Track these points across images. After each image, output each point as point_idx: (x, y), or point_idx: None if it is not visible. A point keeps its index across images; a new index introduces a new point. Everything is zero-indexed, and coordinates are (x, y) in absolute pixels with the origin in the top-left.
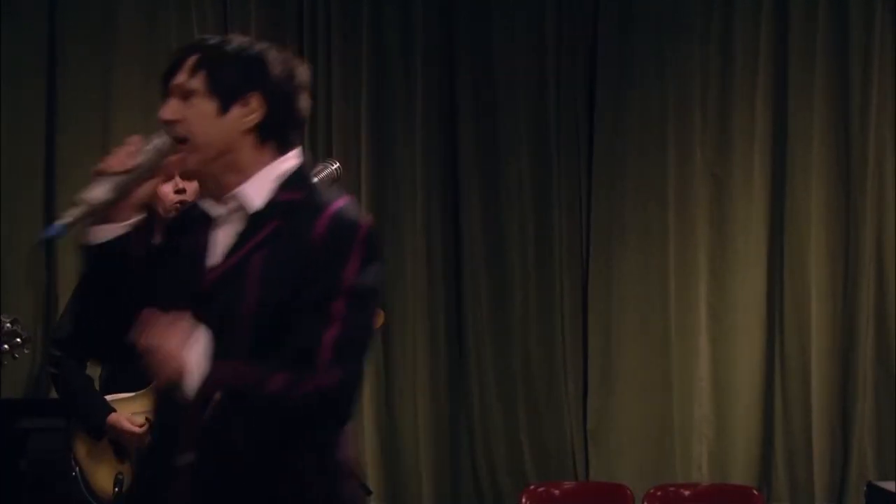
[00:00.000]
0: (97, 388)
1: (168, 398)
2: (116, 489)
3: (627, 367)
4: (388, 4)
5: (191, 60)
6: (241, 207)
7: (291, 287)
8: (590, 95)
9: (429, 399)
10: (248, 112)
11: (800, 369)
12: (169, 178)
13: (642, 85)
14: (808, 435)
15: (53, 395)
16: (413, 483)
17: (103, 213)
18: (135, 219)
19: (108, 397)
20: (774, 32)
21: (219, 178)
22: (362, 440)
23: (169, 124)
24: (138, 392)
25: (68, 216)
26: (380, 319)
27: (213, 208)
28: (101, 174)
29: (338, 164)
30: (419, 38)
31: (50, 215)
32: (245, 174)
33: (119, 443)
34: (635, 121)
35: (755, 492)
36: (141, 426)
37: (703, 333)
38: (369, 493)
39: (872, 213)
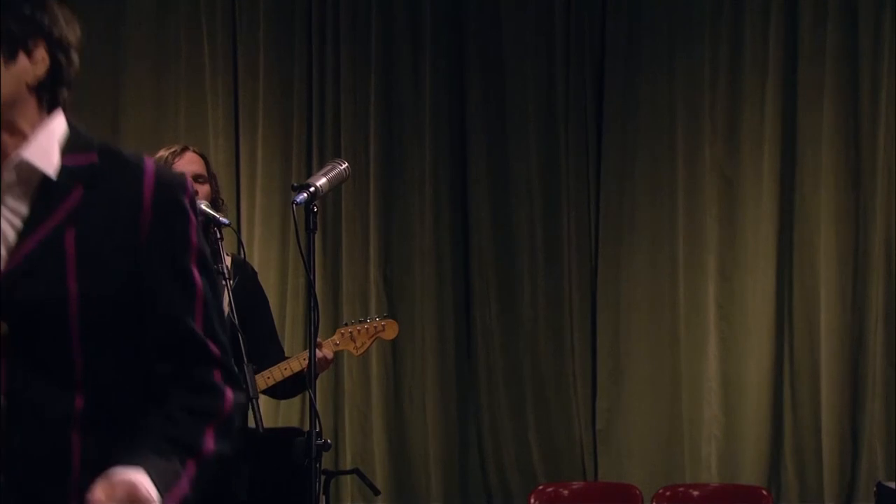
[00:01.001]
0: None
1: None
2: None
3: (636, 366)
4: (397, 3)
5: None
6: (25, 177)
7: (123, 265)
8: (599, 96)
9: (438, 399)
10: (35, 63)
11: (809, 369)
12: None
13: (651, 85)
14: (817, 435)
15: None
16: (422, 483)
17: None
18: None
19: None
20: (784, 33)
21: None
22: (371, 440)
23: None
24: None
25: None
26: (394, 331)
27: None
28: None
29: (346, 163)
30: (428, 37)
31: None
32: (23, 136)
33: None
34: (644, 121)
35: (764, 492)
36: None
37: (712, 334)
38: (377, 493)
39: (882, 213)
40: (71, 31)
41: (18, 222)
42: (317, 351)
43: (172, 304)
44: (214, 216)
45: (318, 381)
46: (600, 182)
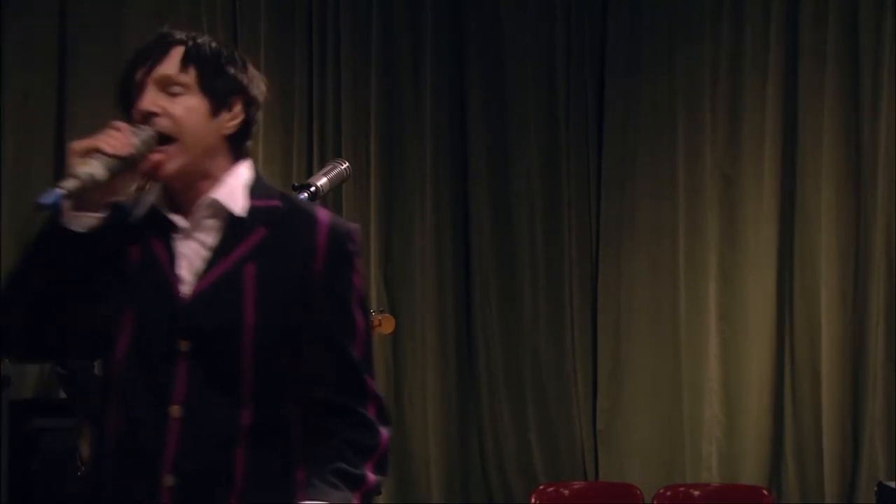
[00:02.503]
0: None
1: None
2: None
3: (637, 366)
4: (397, 3)
5: (177, 52)
6: (215, 215)
7: (293, 301)
8: (599, 96)
9: (438, 399)
10: (231, 118)
11: (810, 369)
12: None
13: (652, 85)
14: (818, 435)
15: (63, 394)
16: (423, 483)
17: (89, 194)
18: (104, 213)
19: None
20: (784, 32)
21: (193, 184)
22: None
23: (151, 117)
24: None
25: (65, 187)
26: (391, 326)
27: (173, 216)
28: (95, 153)
29: (347, 163)
30: (429, 38)
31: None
32: (215, 180)
33: None
34: (645, 121)
35: (765, 492)
36: None
37: (713, 333)
38: (378, 493)
39: (882, 212)
40: (259, 90)
41: (206, 254)
42: None
43: (337, 339)
44: None
45: None
46: (601, 182)
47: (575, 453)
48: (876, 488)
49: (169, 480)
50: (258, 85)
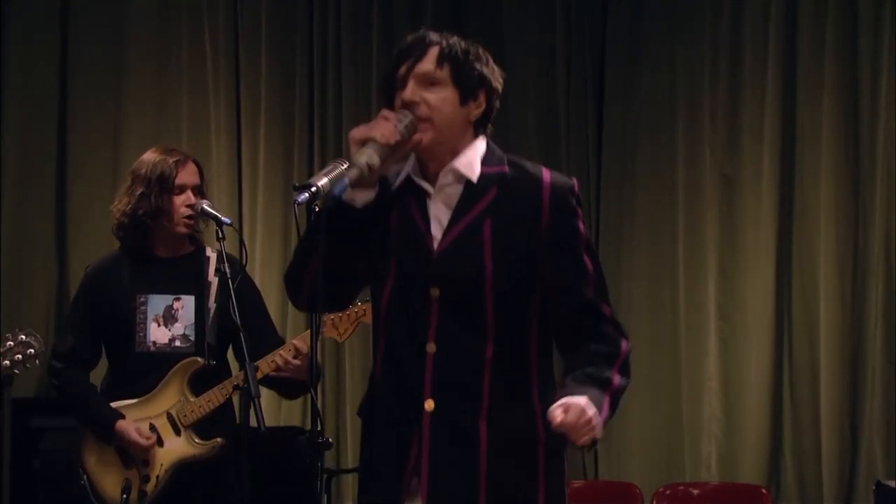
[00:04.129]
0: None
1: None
2: (124, 496)
3: (636, 365)
4: (398, 3)
5: (433, 52)
6: (455, 181)
7: (525, 252)
8: (599, 96)
9: None
10: (477, 106)
11: (808, 368)
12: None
13: (652, 85)
14: (816, 434)
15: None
16: None
17: (368, 178)
18: (376, 188)
19: (112, 404)
20: (783, 32)
21: (442, 158)
22: None
23: (412, 105)
24: (140, 398)
25: (349, 176)
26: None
27: (423, 183)
28: (368, 141)
29: (348, 163)
30: None
31: (61, 215)
32: (457, 154)
33: (125, 450)
34: (645, 121)
35: (764, 491)
36: (148, 438)
37: (712, 332)
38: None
39: (881, 212)
40: (499, 82)
41: (448, 214)
42: (292, 348)
43: (572, 283)
44: (216, 216)
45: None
46: (601, 181)
47: (574, 452)
48: (874, 487)
49: (429, 405)
50: (497, 78)
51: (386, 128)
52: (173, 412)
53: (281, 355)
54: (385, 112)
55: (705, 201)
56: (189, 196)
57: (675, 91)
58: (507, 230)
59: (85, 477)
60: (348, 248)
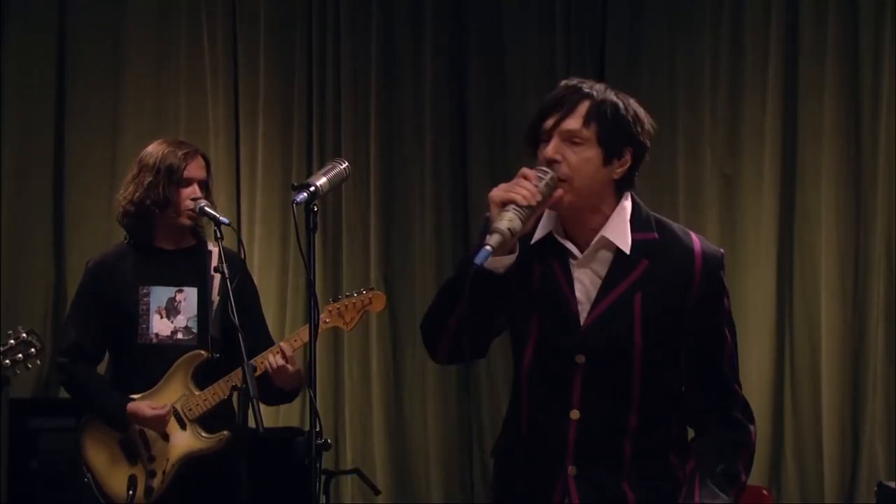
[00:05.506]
0: None
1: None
2: (130, 492)
3: None
4: (398, 2)
5: (582, 108)
6: (606, 248)
7: (673, 324)
8: None
9: (438, 399)
10: (622, 164)
11: (810, 368)
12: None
13: (652, 85)
14: (817, 434)
15: (63, 394)
16: (422, 483)
17: (509, 243)
18: (517, 250)
19: None
20: (784, 32)
21: (583, 217)
22: (372, 439)
23: (553, 163)
24: (145, 393)
25: (492, 244)
26: (381, 303)
27: (568, 243)
28: (509, 203)
29: (347, 163)
30: (429, 37)
31: (59, 214)
32: (604, 215)
33: (129, 445)
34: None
35: (765, 491)
36: (163, 407)
37: None
38: (378, 492)
39: (882, 212)
40: (649, 137)
41: (598, 282)
42: (279, 350)
43: (711, 356)
44: (215, 216)
45: (317, 381)
46: None
47: None
48: (876, 488)
49: (572, 471)
50: (647, 132)
51: (527, 188)
52: (178, 406)
53: (268, 357)
54: (525, 170)
55: (705, 201)
56: (195, 189)
57: (675, 91)
58: (656, 302)
59: (89, 474)
60: (489, 310)
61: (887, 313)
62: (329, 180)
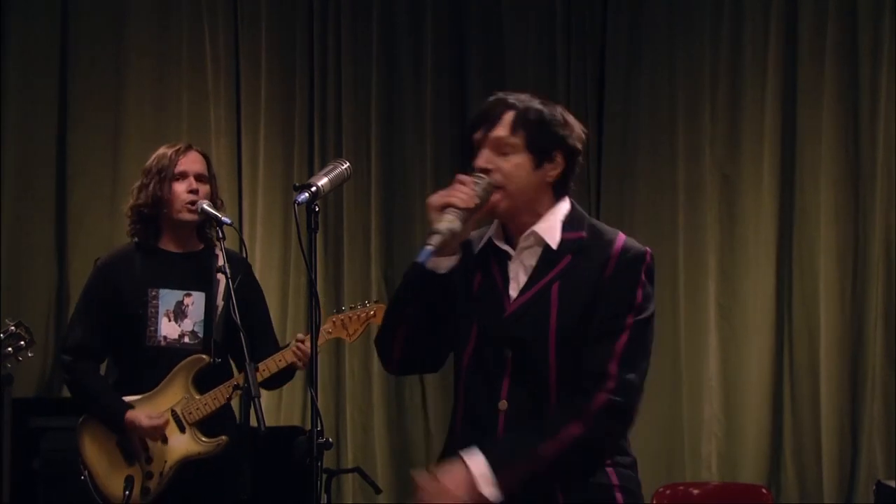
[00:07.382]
0: None
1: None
2: (126, 492)
3: None
4: (398, 4)
5: (508, 117)
6: (536, 244)
7: (585, 311)
8: (599, 96)
9: (439, 397)
10: (553, 168)
11: (809, 368)
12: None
13: (652, 85)
14: (816, 434)
15: (65, 394)
16: None
17: (450, 244)
18: (458, 252)
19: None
20: (783, 32)
21: (518, 219)
22: (373, 438)
23: (484, 171)
24: (145, 395)
25: (432, 244)
26: (378, 315)
27: (504, 245)
28: (448, 207)
29: (348, 163)
30: (429, 38)
31: (61, 215)
32: (538, 216)
33: (127, 446)
34: (645, 120)
35: (764, 490)
36: (160, 416)
37: (713, 332)
38: (379, 491)
39: (881, 212)
40: (579, 140)
41: (524, 277)
42: (299, 344)
43: (602, 340)
44: (216, 216)
45: (318, 380)
46: (601, 181)
47: None
48: (874, 487)
49: None
50: (578, 137)
51: (464, 192)
52: (178, 409)
53: (292, 352)
54: (461, 177)
55: (705, 201)
56: (191, 182)
57: (675, 91)
58: (573, 291)
59: (86, 472)
60: (434, 314)
61: (886, 313)
62: (330, 180)
